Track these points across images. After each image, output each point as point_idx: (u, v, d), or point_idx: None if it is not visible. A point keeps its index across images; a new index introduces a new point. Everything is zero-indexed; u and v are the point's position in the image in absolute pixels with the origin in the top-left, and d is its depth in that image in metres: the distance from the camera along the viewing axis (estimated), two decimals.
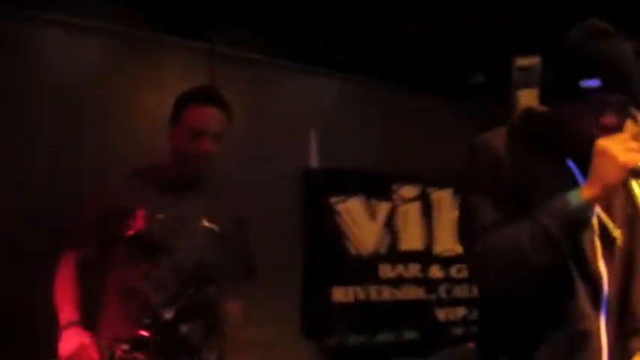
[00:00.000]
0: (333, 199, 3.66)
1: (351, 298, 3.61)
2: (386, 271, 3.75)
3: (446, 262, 3.95)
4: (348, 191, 3.69)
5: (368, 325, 3.65)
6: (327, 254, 3.59)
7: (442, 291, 3.92)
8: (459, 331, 3.94)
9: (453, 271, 3.97)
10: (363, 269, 3.68)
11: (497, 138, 1.42)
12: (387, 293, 3.72)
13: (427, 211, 3.96)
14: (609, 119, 1.30)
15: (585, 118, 1.31)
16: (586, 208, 1.26)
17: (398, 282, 3.77)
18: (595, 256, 1.35)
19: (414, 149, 3.89)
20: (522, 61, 3.86)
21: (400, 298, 3.76)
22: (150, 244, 1.97)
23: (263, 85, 3.68)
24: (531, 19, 3.62)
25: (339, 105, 3.93)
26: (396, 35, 3.76)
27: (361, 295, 3.64)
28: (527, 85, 3.86)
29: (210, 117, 2.08)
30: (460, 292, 3.94)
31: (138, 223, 1.97)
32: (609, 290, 1.35)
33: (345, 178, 3.71)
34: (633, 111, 1.47)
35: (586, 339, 1.33)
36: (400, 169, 3.88)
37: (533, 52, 3.81)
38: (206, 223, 2.06)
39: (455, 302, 3.93)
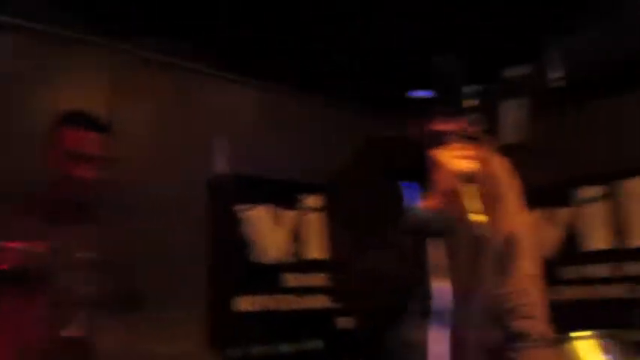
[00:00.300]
0: (240, 207, 3.63)
1: (255, 308, 3.58)
2: (291, 280, 3.76)
3: None
4: (255, 199, 3.68)
5: (272, 335, 3.63)
6: (231, 263, 3.55)
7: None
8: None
9: None
10: (268, 278, 3.67)
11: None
12: (291, 302, 3.73)
13: None
14: (439, 125, 1.41)
15: (420, 127, 1.43)
16: (431, 218, 1.35)
17: (303, 291, 3.79)
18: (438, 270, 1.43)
19: (322, 160, 3.94)
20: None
21: (305, 307, 3.78)
22: (23, 279, 1.90)
23: (173, 89, 3.62)
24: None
25: (251, 113, 3.92)
26: (315, 46, 3.82)
27: (266, 305, 3.62)
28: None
29: (88, 141, 2.04)
30: None
31: (11, 258, 1.87)
32: (457, 298, 1.43)
33: (252, 186, 3.70)
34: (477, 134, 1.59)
35: (425, 344, 1.40)
36: (307, 179, 3.92)
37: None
38: (84, 253, 2.02)
39: None
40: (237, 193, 3.65)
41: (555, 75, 4.17)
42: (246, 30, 3.58)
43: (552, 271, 4.32)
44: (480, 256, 1.49)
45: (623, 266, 4.00)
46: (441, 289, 1.42)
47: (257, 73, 3.85)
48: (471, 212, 1.32)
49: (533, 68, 4.10)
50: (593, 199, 4.22)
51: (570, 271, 4.23)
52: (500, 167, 1.64)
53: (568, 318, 4.06)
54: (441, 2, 3.72)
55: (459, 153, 1.36)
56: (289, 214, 3.83)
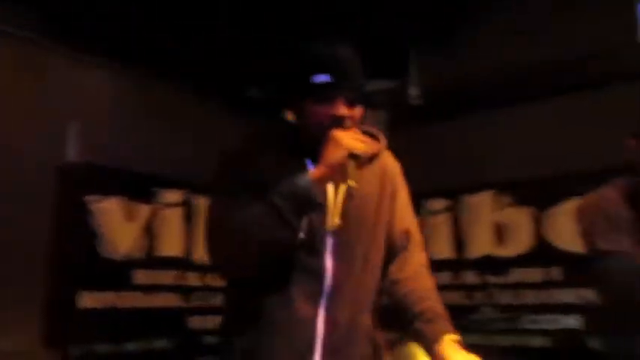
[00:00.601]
0: (90, 198, 3.45)
1: (102, 304, 3.41)
2: (140, 276, 3.63)
3: (203, 269, 3.94)
4: (107, 190, 3.52)
5: (117, 333, 3.48)
6: (76, 256, 3.36)
7: (197, 299, 3.90)
8: (213, 340, 3.96)
9: (209, 279, 3.99)
10: (116, 274, 3.51)
11: (248, 147, 1.56)
12: (139, 300, 3.60)
13: (190, 217, 3.94)
14: (340, 110, 1.44)
15: (319, 112, 1.45)
16: (311, 186, 1.38)
17: (152, 288, 3.67)
18: (324, 250, 1.47)
19: (182, 154, 3.86)
20: (371, 86, 4.16)
21: (153, 305, 3.66)
22: None
23: (24, 67, 3.37)
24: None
25: (110, 99, 3.73)
26: (180, 34, 3.73)
27: (113, 302, 3.46)
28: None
29: None
30: (215, 300, 3.97)
31: None
32: (334, 281, 1.47)
33: (104, 176, 3.52)
34: (376, 132, 1.70)
35: (303, 325, 1.43)
36: (166, 173, 3.82)
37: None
38: None
39: (210, 311, 3.94)
40: (88, 182, 3.46)
41: (414, 92, 4.44)
42: (110, 10, 3.43)
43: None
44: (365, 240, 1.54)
45: (461, 275, 4.32)
46: (326, 267, 1.46)
47: (118, 57, 3.69)
48: (347, 182, 1.38)
49: (394, 84, 4.32)
50: (439, 211, 4.52)
51: None
52: (392, 161, 1.72)
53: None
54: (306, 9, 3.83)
55: (351, 134, 1.41)
56: (143, 208, 3.70)
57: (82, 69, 3.63)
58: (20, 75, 3.36)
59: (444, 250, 4.45)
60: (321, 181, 1.41)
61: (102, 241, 3.47)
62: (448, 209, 4.48)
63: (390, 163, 1.69)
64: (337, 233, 1.49)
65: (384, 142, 1.69)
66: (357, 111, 1.50)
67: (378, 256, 1.59)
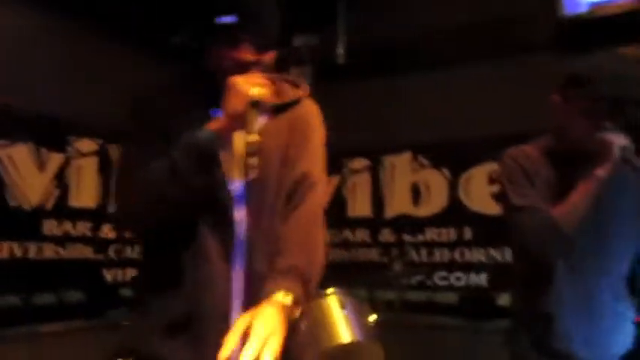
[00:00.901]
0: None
1: (6, 255, 3.26)
2: (51, 227, 3.48)
3: None
4: (14, 136, 3.32)
5: (27, 285, 3.35)
6: None
7: (112, 251, 3.81)
8: (127, 292, 3.88)
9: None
10: (24, 224, 3.35)
11: (159, 94, 1.51)
12: (49, 251, 3.46)
13: (105, 168, 3.79)
14: (244, 54, 1.38)
15: (224, 56, 1.39)
16: (212, 139, 1.34)
17: (64, 240, 3.54)
18: (231, 203, 1.42)
19: (99, 101, 3.67)
20: (297, 40, 4.04)
21: (65, 257, 3.54)
22: None
23: None
24: None
25: (30, 40, 3.48)
26: None
27: (19, 252, 3.32)
28: (299, 64, 4.05)
29: None
30: (131, 252, 3.88)
31: None
32: (246, 234, 1.42)
33: (12, 120, 3.31)
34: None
35: (212, 282, 1.39)
36: (79, 120, 3.63)
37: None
38: None
39: (125, 263, 3.86)
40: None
41: (339, 50, 4.42)
42: None
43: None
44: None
45: (379, 233, 4.44)
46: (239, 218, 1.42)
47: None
48: (249, 133, 1.32)
49: (320, 40, 4.29)
50: (359, 171, 4.59)
51: (335, 235, 4.58)
52: (311, 110, 1.63)
53: (329, 278, 4.44)
54: None
55: (253, 80, 1.35)
56: (55, 157, 3.52)
57: (4, 7, 3.37)
58: None
59: (364, 209, 4.54)
60: (222, 133, 1.36)
61: (9, 189, 3.29)
62: (368, 169, 4.56)
63: (306, 111, 1.61)
64: (243, 186, 1.44)
65: (305, 90, 1.62)
66: (268, 56, 1.44)
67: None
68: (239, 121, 1.34)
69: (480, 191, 4.07)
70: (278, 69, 1.56)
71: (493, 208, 3.89)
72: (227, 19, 1.34)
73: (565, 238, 1.71)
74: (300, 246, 1.46)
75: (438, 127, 4.17)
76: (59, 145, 3.54)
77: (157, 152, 1.36)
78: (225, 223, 1.42)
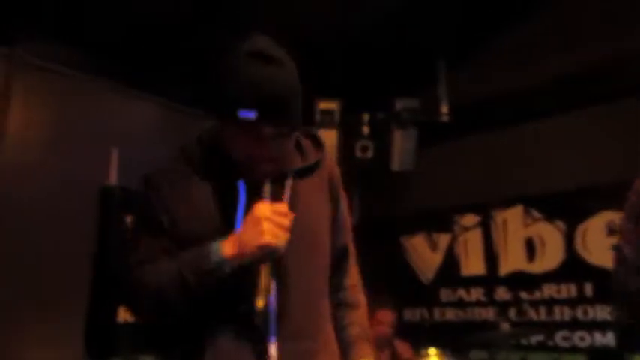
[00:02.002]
0: (129, 219, 3.62)
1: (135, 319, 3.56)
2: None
3: None
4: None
5: (154, 346, 3.61)
6: (116, 274, 3.52)
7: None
8: None
9: None
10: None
11: (164, 169, 1.46)
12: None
13: None
14: (265, 149, 1.32)
15: (245, 144, 1.32)
16: (223, 264, 1.30)
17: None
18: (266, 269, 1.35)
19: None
20: (324, 104, 4.22)
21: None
22: None
23: (68, 98, 3.59)
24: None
25: (145, 126, 3.93)
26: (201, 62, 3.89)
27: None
28: (328, 127, 4.22)
29: None
30: None
31: None
32: (280, 310, 1.37)
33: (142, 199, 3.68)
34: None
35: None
36: None
37: (332, 96, 4.19)
38: None
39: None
40: (126, 204, 3.63)
41: (443, 109, 4.48)
42: (146, 45, 3.62)
43: (432, 293, 4.60)
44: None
45: (494, 291, 4.33)
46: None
47: (154, 87, 3.89)
48: (259, 290, 1.28)
49: (422, 101, 4.38)
50: (470, 227, 4.54)
51: (449, 294, 4.52)
52: (335, 166, 1.62)
53: (445, 338, 4.37)
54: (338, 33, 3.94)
55: (283, 222, 1.30)
56: None
57: (126, 100, 3.84)
58: (68, 105, 3.58)
59: (476, 266, 4.47)
60: (236, 261, 1.31)
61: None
62: (479, 225, 4.50)
63: (333, 168, 1.60)
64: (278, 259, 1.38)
65: (324, 144, 1.59)
66: (289, 135, 1.38)
67: (324, 268, 1.52)
68: (256, 257, 1.30)
69: (599, 243, 3.88)
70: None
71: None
72: (249, 114, 1.26)
73: None
74: (360, 313, 1.57)
75: (547, 178, 4.08)
76: None
77: (163, 248, 1.37)
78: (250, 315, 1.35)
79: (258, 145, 1.31)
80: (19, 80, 3.38)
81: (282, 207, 1.32)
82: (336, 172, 1.61)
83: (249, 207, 1.34)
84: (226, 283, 1.31)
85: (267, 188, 1.37)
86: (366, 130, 4.23)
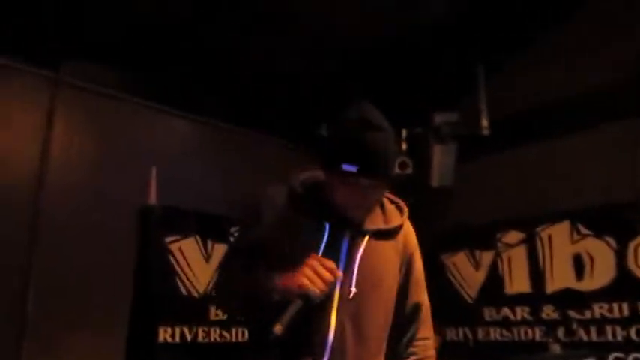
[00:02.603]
0: (169, 238, 3.64)
1: (177, 339, 3.56)
2: (217, 312, 3.75)
3: None
4: (184, 231, 3.70)
5: None
6: (156, 293, 3.54)
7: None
8: None
9: None
10: (193, 310, 3.66)
11: (279, 193, 1.69)
12: (213, 334, 3.72)
13: None
14: (361, 199, 1.57)
15: (342, 193, 1.56)
16: (272, 290, 1.50)
17: (229, 323, 3.79)
18: (330, 310, 1.58)
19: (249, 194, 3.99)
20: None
21: (228, 340, 3.77)
22: None
23: (107, 118, 3.65)
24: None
25: (185, 146, 3.97)
26: (243, 82, 3.92)
27: (189, 336, 3.60)
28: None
29: None
30: None
31: None
32: (338, 341, 1.57)
33: (182, 218, 3.72)
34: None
35: None
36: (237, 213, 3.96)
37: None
38: None
39: None
40: (167, 223, 3.66)
41: (482, 122, 4.39)
42: (182, 65, 3.67)
43: (476, 312, 4.47)
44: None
45: (541, 310, 4.18)
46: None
47: (191, 107, 3.93)
48: (281, 317, 1.42)
49: (461, 115, 4.30)
50: (514, 244, 4.41)
51: (493, 313, 4.39)
52: (412, 232, 1.80)
53: (484, 357, 4.22)
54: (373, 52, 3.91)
55: (321, 271, 1.47)
56: (220, 247, 3.85)
57: (164, 121, 3.90)
58: (108, 125, 3.64)
59: (521, 284, 4.32)
60: (280, 291, 1.50)
61: (180, 278, 3.63)
62: (523, 242, 4.36)
63: (409, 233, 1.79)
64: (349, 298, 1.60)
65: (406, 213, 1.77)
66: (380, 188, 1.60)
67: (385, 320, 1.69)
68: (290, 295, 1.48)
69: None
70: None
71: None
72: (347, 167, 1.50)
73: None
74: None
75: (595, 192, 3.93)
76: (225, 236, 3.86)
77: (256, 264, 1.58)
78: (319, 325, 1.57)
79: (355, 192, 1.54)
80: (62, 101, 3.46)
81: (330, 263, 1.49)
82: (413, 238, 1.79)
83: (329, 247, 1.58)
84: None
85: (347, 235, 1.61)
86: (404, 145, 4.18)
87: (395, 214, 1.75)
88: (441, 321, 3.90)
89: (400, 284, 1.72)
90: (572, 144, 4.07)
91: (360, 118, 1.55)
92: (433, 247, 4.74)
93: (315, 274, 1.46)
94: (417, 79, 4.20)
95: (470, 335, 4.46)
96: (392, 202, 1.79)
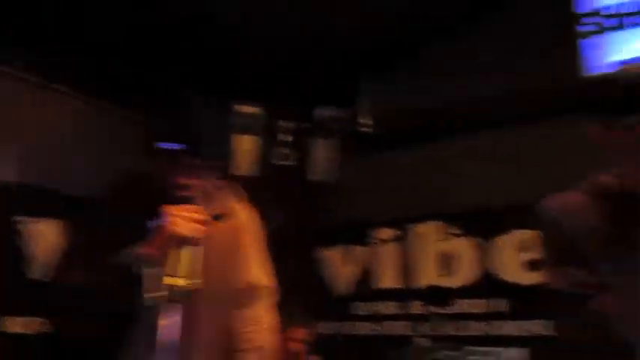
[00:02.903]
0: (24, 219, 3.30)
1: (29, 330, 3.24)
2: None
3: None
4: (42, 213, 3.37)
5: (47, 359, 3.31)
6: (3, 278, 3.19)
7: None
8: None
9: None
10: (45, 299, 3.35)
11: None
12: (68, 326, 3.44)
13: None
14: (188, 180, 1.47)
15: (171, 173, 1.48)
16: (132, 262, 1.41)
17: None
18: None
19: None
20: (245, 108, 4.07)
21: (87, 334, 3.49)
22: None
23: None
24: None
25: (55, 123, 3.64)
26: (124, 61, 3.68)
27: (39, 327, 3.29)
28: (248, 132, 4.08)
29: None
30: None
31: None
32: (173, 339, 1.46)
33: (42, 199, 3.39)
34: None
35: None
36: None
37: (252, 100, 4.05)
38: None
39: None
40: (24, 203, 3.32)
41: (364, 121, 4.45)
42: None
43: (345, 306, 4.52)
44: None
45: (408, 304, 4.29)
46: (168, 323, 1.44)
47: (64, 81, 3.62)
48: (169, 275, 1.36)
49: (345, 112, 4.32)
50: (387, 241, 4.50)
51: (362, 308, 4.45)
52: (248, 218, 1.72)
53: (358, 352, 4.28)
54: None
55: (187, 214, 1.41)
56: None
57: (28, 92, 3.54)
58: None
59: (392, 280, 4.42)
60: (145, 259, 1.41)
61: (33, 263, 3.31)
62: (396, 239, 4.47)
63: (241, 217, 1.71)
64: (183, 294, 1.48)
65: (243, 195, 1.71)
66: (213, 180, 1.56)
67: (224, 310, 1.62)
68: (163, 254, 1.39)
69: (511, 260, 3.93)
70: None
71: (528, 278, 3.74)
72: (173, 146, 1.43)
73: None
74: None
75: (466, 195, 4.10)
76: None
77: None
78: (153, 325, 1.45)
79: (184, 173, 1.45)
80: None
81: (191, 206, 1.45)
82: (250, 220, 1.72)
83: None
84: None
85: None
86: (287, 137, 4.12)
87: (228, 197, 1.68)
88: (312, 315, 3.90)
89: (230, 264, 1.65)
90: (451, 148, 4.21)
91: (193, 96, 1.54)
92: (309, 241, 4.72)
93: (183, 219, 1.39)
94: (305, 73, 4.16)
95: (340, 329, 4.48)
96: (227, 185, 1.71)
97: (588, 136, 1.48)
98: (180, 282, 1.34)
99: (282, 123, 4.15)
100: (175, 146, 1.41)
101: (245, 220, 1.72)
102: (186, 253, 1.37)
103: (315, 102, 4.22)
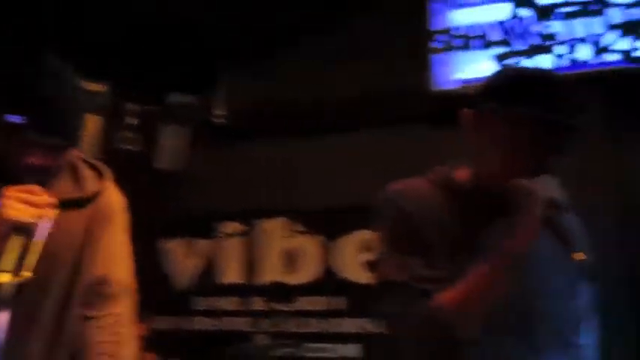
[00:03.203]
0: None
1: None
2: None
3: None
4: None
5: None
6: None
7: None
8: None
9: None
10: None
11: None
12: None
13: None
14: (33, 159, 1.24)
15: (15, 153, 1.25)
16: None
17: None
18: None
19: None
20: (91, 86, 3.76)
21: None
22: None
23: None
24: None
25: None
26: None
27: None
28: (92, 111, 3.77)
29: None
30: None
31: None
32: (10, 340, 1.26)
33: None
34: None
35: None
36: None
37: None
38: None
39: None
40: None
41: (217, 111, 4.33)
42: None
43: (186, 301, 4.37)
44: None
45: (249, 300, 4.26)
46: None
47: None
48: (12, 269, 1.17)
49: (198, 99, 4.17)
50: (232, 235, 4.43)
51: (202, 302, 4.34)
52: (112, 202, 1.52)
53: (196, 348, 4.16)
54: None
55: (25, 197, 1.21)
56: None
57: None
58: None
59: (235, 275, 4.36)
60: None
61: None
62: (242, 233, 4.41)
63: (106, 204, 1.50)
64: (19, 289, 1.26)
65: (109, 180, 1.51)
66: (63, 158, 1.34)
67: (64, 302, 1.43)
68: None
69: (352, 259, 4.06)
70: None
71: (367, 277, 3.88)
72: (16, 119, 1.20)
73: (462, 340, 1.30)
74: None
75: (313, 194, 4.15)
76: None
77: None
78: None
79: (26, 151, 1.23)
80: None
81: (32, 187, 1.24)
82: (114, 204, 1.53)
83: None
84: None
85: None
86: (134, 120, 3.88)
87: (91, 180, 1.47)
88: (150, 309, 3.72)
89: (84, 257, 1.44)
90: (301, 146, 4.23)
91: (37, 65, 1.27)
92: (150, 232, 4.50)
93: (19, 202, 1.19)
94: (160, 55, 3.95)
95: (179, 325, 4.33)
96: (89, 166, 1.50)
97: (462, 119, 1.42)
98: (5, 278, 1.15)
99: (130, 105, 3.90)
100: (18, 119, 1.18)
101: (110, 206, 1.50)
102: (15, 243, 1.17)
103: (169, 88, 4.02)
